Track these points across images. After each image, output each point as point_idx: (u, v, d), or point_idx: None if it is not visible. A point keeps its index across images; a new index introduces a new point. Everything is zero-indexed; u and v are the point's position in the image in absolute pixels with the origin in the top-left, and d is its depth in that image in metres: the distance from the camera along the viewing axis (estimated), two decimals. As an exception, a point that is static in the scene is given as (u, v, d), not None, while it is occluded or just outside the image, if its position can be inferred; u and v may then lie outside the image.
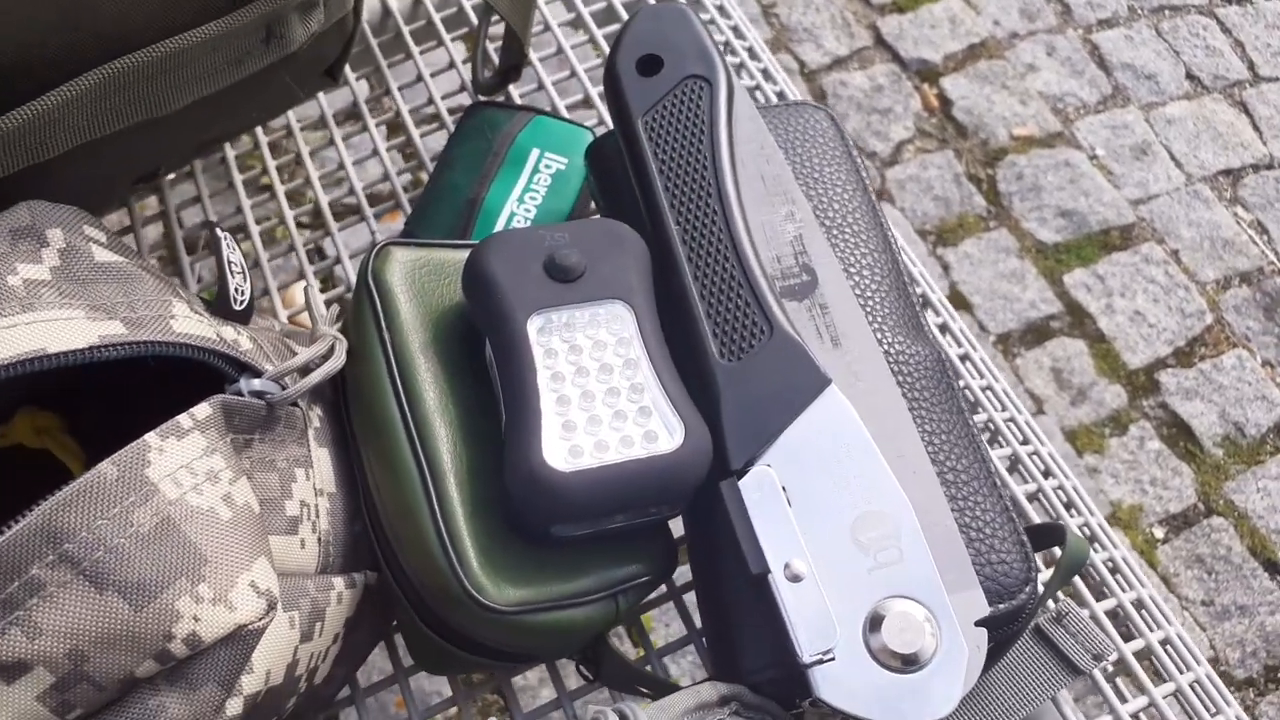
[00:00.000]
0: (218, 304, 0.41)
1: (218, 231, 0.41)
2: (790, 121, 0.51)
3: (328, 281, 0.95)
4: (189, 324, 0.36)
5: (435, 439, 0.40)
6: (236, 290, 0.42)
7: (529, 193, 0.56)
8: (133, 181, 0.48)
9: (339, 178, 0.61)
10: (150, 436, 0.33)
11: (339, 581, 0.40)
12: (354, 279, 0.55)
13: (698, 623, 0.45)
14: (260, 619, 0.33)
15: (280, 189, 0.61)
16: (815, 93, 1.46)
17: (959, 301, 1.32)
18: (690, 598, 0.47)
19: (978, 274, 1.34)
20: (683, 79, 0.47)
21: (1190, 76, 1.54)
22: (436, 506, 0.39)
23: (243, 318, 0.42)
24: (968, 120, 1.45)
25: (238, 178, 0.61)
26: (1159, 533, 1.19)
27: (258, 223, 0.60)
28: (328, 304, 0.57)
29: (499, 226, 0.54)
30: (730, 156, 0.45)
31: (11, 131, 0.34)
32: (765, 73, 0.65)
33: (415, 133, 0.61)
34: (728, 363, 0.41)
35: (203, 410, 0.35)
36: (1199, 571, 1.16)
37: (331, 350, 0.40)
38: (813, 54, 1.49)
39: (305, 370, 0.39)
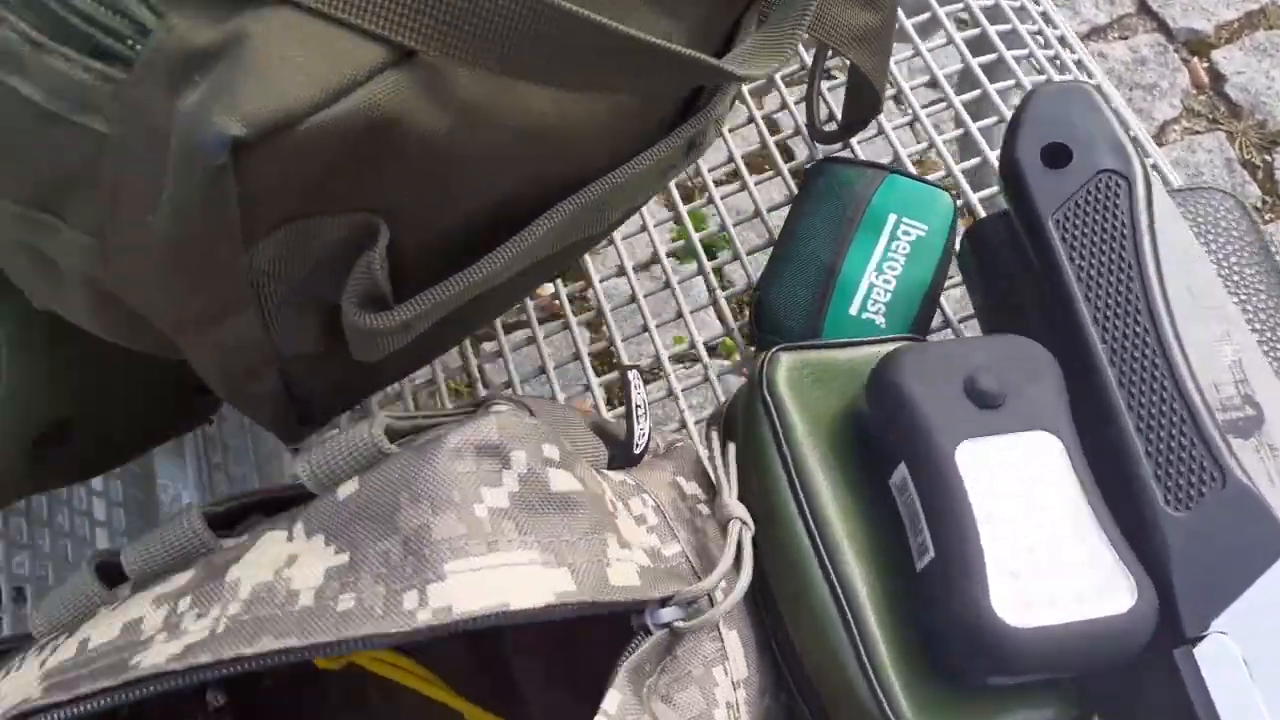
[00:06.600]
0: (622, 452, 0.40)
1: (629, 375, 0.41)
2: (1196, 213, 0.47)
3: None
4: (621, 574, 0.34)
5: (848, 571, 0.39)
6: (640, 435, 0.40)
7: (887, 262, 0.53)
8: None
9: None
10: None
11: None
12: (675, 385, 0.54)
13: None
14: None
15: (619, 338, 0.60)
16: (1073, 67, 1.37)
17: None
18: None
19: (1247, 269, 1.25)
20: (1095, 173, 0.44)
21: None
22: (862, 651, 0.38)
23: (636, 460, 0.41)
24: (1243, 99, 1.34)
25: (583, 348, 0.61)
26: None
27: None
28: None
29: (858, 299, 0.53)
30: (1156, 266, 0.42)
31: (503, 264, 0.35)
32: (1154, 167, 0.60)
33: (751, 185, 0.60)
34: (1175, 513, 0.38)
35: (613, 699, 0.32)
36: None
37: (739, 557, 0.38)
38: (1068, 22, 1.40)
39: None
